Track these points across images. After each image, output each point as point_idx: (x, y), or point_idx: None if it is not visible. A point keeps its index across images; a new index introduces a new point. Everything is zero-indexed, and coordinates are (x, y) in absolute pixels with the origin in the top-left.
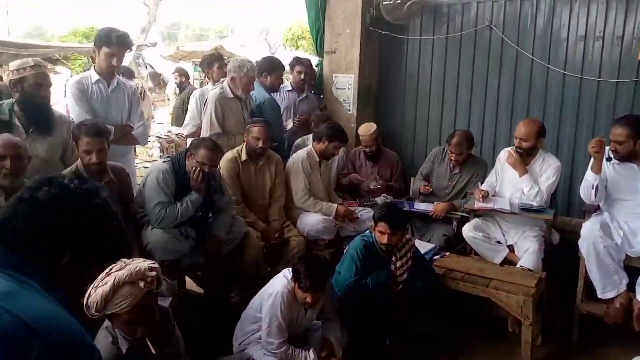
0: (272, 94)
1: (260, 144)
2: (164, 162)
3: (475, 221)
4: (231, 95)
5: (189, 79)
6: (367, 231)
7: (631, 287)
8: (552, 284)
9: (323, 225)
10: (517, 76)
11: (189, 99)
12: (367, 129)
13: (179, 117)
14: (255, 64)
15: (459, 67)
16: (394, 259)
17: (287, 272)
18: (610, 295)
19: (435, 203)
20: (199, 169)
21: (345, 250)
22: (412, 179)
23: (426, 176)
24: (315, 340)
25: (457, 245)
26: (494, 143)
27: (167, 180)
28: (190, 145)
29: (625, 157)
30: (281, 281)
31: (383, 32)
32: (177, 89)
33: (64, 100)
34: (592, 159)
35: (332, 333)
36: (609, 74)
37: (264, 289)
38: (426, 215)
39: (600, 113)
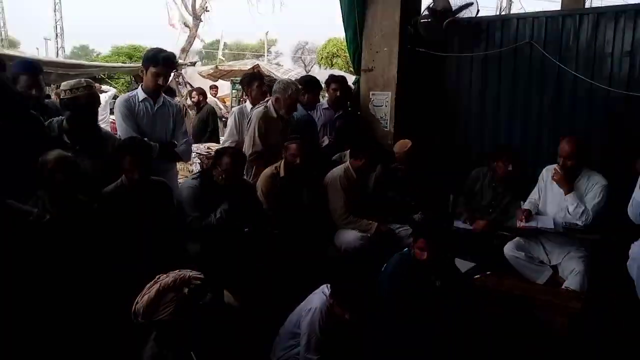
0: (309, 112)
1: (298, 160)
2: (193, 178)
3: (517, 240)
4: (274, 114)
5: (206, 97)
6: (405, 249)
7: None
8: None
9: (360, 242)
10: (560, 92)
11: (207, 117)
12: (402, 145)
13: (197, 135)
14: (298, 86)
15: (499, 84)
16: (432, 278)
17: (326, 288)
18: None
19: (476, 221)
20: (223, 175)
21: (383, 268)
22: (451, 195)
23: (467, 195)
24: None
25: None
26: (536, 160)
27: (196, 195)
28: (214, 156)
29: None
30: (319, 296)
31: (421, 50)
32: (195, 108)
33: (108, 118)
34: None
35: None
36: None
37: (302, 304)
38: (466, 233)
39: None
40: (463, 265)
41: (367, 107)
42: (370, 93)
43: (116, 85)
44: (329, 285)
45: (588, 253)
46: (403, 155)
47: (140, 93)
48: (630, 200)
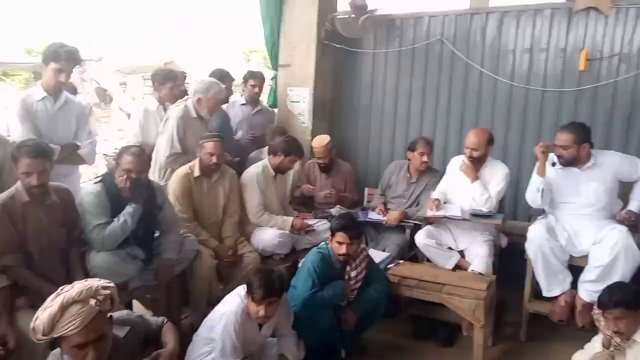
0: (222, 107)
1: (214, 159)
2: (95, 182)
3: (427, 228)
4: (194, 115)
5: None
6: (322, 243)
7: (574, 285)
8: (502, 286)
9: (278, 240)
10: (467, 87)
11: None
12: (321, 140)
13: None
14: (222, 86)
15: (411, 79)
16: (348, 268)
17: (240, 290)
18: (555, 293)
19: (389, 212)
20: (125, 176)
21: (300, 264)
22: (366, 189)
23: (385, 189)
24: (270, 357)
25: (409, 253)
26: (445, 152)
27: (99, 201)
28: (116, 156)
29: (569, 162)
30: (233, 299)
31: (337, 46)
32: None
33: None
34: (538, 163)
35: (287, 348)
36: (553, 83)
37: (216, 308)
38: (380, 224)
39: (544, 121)
40: (377, 255)
41: (284, 103)
42: (288, 89)
43: (12, 83)
44: (244, 287)
45: (492, 237)
46: (322, 151)
47: (39, 91)
48: (529, 186)
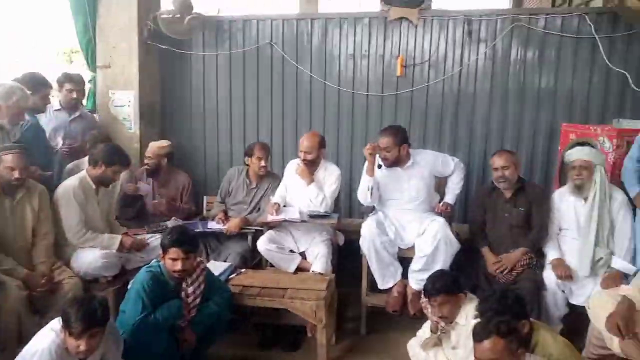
0: (36, 116)
1: (16, 174)
2: None
3: (268, 233)
4: None
5: None
6: (153, 260)
7: (405, 276)
8: (342, 282)
9: (103, 261)
10: (299, 90)
11: None
12: (160, 143)
13: None
14: (26, 91)
15: (244, 83)
16: (184, 285)
17: (55, 323)
18: (388, 285)
19: (229, 219)
20: None
21: (129, 286)
22: (205, 197)
23: (225, 197)
24: None
25: (252, 260)
26: (284, 155)
27: None
28: None
29: (392, 163)
30: (46, 334)
31: (163, 47)
32: None
33: None
34: (366, 163)
35: None
36: (375, 88)
37: (26, 347)
38: (221, 233)
39: (370, 123)
40: (218, 267)
41: (107, 107)
42: (110, 92)
43: None
44: (59, 318)
45: (330, 236)
46: (158, 158)
47: None
48: (359, 185)
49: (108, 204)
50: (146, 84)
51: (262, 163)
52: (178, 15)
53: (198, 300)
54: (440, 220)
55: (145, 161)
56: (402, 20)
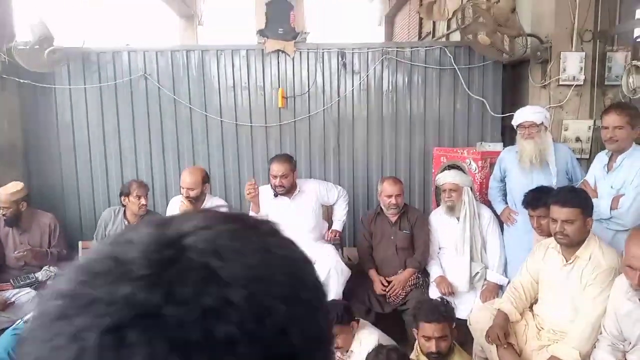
0: None
1: None
2: None
3: None
4: None
5: None
6: (20, 321)
7: None
8: None
9: None
10: (178, 123)
11: None
12: (6, 187)
13: None
14: None
15: (118, 116)
16: None
17: None
18: None
19: None
20: None
21: None
22: (80, 242)
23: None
24: None
25: None
26: (166, 190)
27: None
28: None
29: (288, 190)
30: None
31: (22, 81)
32: None
33: None
34: (251, 204)
35: None
36: (257, 119)
37: None
38: None
39: (256, 154)
40: None
41: None
42: None
43: None
44: None
45: None
46: (14, 205)
47: None
48: None
49: None
50: (3, 121)
51: (142, 201)
52: (37, 46)
53: None
54: (331, 249)
55: (1, 212)
56: (279, 52)
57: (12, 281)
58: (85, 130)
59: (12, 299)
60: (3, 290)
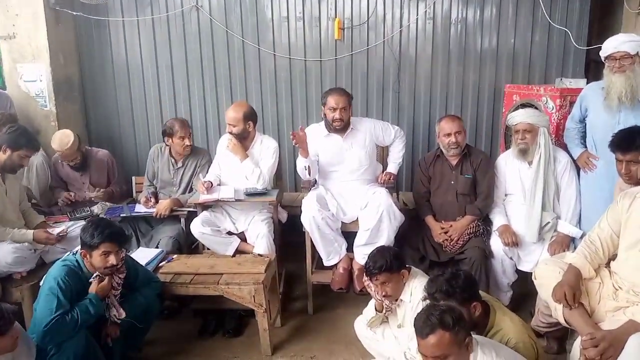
0: None
1: None
2: None
3: (202, 215)
4: None
5: None
6: (70, 254)
7: (351, 250)
8: (289, 260)
9: (14, 256)
10: (231, 57)
11: None
12: (61, 142)
13: None
14: None
15: (171, 50)
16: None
17: None
18: (334, 261)
19: (159, 202)
20: None
21: (41, 282)
22: (134, 178)
23: (152, 177)
24: None
25: (190, 244)
26: (219, 126)
27: None
28: None
29: (346, 124)
30: None
31: (75, 13)
32: None
33: None
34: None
35: None
36: (312, 53)
37: None
38: (152, 217)
39: (310, 89)
40: (147, 254)
41: (16, 83)
42: (18, 66)
43: None
44: None
45: (270, 214)
46: (68, 154)
47: None
48: (296, 164)
49: (17, 191)
50: (58, 55)
51: (187, 142)
52: None
53: (118, 293)
54: (383, 191)
55: (69, 163)
56: None
57: (69, 214)
58: (139, 66)
59: (67, 231)
60: (60, 221)
